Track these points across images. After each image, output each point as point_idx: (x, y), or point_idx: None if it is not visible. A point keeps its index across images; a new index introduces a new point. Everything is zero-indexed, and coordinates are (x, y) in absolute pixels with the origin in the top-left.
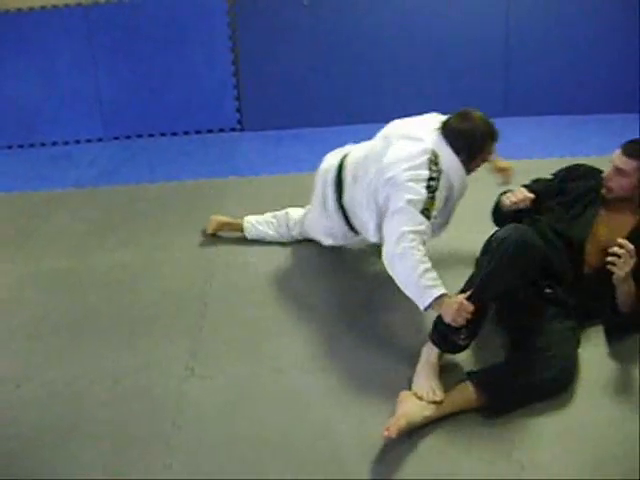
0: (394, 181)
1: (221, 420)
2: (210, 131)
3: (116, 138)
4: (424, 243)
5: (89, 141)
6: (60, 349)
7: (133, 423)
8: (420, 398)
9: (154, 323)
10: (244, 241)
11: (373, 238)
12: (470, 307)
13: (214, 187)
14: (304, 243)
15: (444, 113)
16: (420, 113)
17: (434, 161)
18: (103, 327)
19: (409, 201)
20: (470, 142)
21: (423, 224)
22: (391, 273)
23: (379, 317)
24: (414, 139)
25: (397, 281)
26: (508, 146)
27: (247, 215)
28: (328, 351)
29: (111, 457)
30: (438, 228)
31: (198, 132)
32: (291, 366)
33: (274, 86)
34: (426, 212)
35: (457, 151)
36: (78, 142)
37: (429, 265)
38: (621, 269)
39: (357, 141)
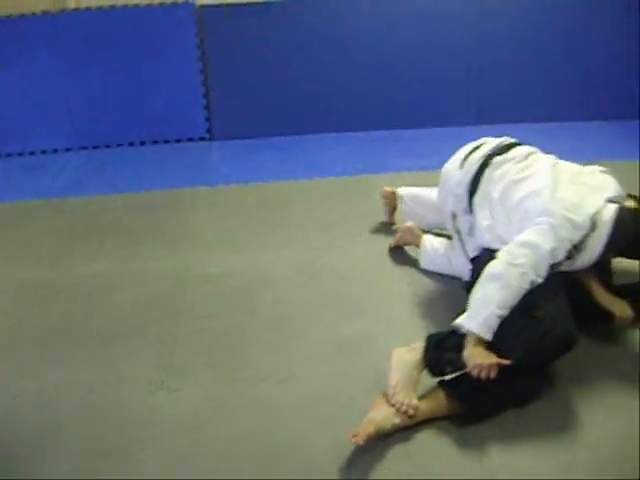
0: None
1: (192, 433)
2: (179, 141)
3: (84, 148)
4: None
5: (57, 151)
6: (31, 361)
7: (105, 436)
8: (392, 406)
9: (125, 335)
10: (216, 251)
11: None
12: (495, 373)
13: (184, 197)
14: (279, 254)
15: (416, 122)
16: (391, 121)
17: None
18: (74, 339)
19: (565, 217)
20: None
21: (540, 277)
22: (487, 276)
23: (355, 326)
24: (591, 196)
25: (480, 286)
26: None
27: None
28: (301, 361)
29: (83, 470)
30: None
31: (167, 142)
32: (263, 377)
33: (243, 95)
34: (570, 255)
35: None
36: (46, 152)
37: (506, 313)
38: None
39: (324, 150)
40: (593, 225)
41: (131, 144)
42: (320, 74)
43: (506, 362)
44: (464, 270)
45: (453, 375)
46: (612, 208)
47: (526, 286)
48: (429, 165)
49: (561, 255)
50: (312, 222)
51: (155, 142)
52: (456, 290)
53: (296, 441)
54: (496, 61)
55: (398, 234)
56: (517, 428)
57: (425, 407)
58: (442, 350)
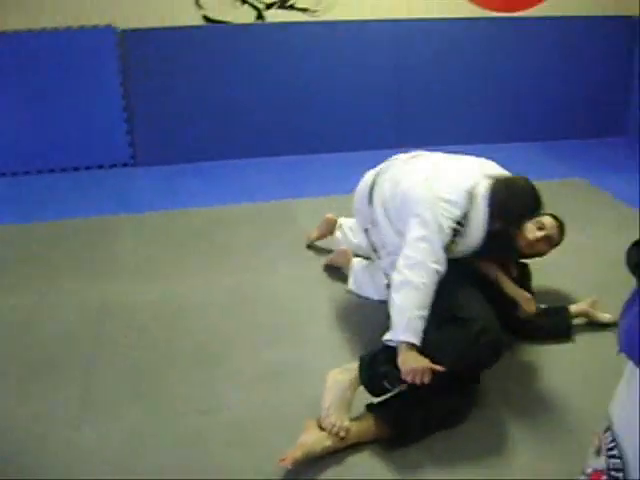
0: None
1: (116, 468)
2: (101, 167)
3: (2, 175)
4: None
5: None
6: None
7: (25, 476)
8: (323, 430)
9: (45, 369)
10: (139, 280)
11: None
12: (429, 378)
13: (106, 225)
14: (204, 281)
15: (337, 148)
16: (312, 146)
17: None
18: None
19: (436, 234)
20: (506, 214)
21: (442, 265)
22: (395, 286)
23: (281, 351)
24: (465, 175)
25: (391, 300)
26: None
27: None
28: (225, 390)
29: None
30: None
31: (89, 168)
32: (188, 408)
33: (167, 120)
34: (447, 249)
35: (492, 219)
36: None
37: (426, 312)
38: None
39: (247, 175)
40: (471, 198)
41: (51, 171)
42: (242, 99)
43: (439, 368)
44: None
45: (382, 398)
46: (486, 181)
47: (434, 279)
48: (349, 189)
49: (448, 233)
50: (236, 248)
51: (76, 169)
52: (384, 312)
53: (224, 471)
54: (414, 86)
55: (331, 255)
56: (446, 452)
57: (355, 430)
58: (376, 365)
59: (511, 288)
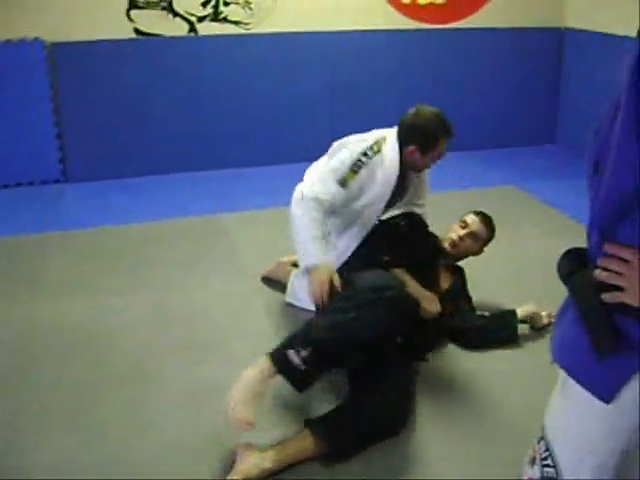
0: (335, 147)
1: None
2: (31, 183)
3: None
4: (325, 211)
5: None
6: None
7: None
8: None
9: None
10: (67, 299)
11: None
12: (333, 288)
13: (34, 243)
14: (134, 298)
15: (270, 161)
16: (243, 160)
17: (377, 144)
18: None
19: (332, 169)
20: (420, 135)
21: (330, 194)
22: (293, 230)
23: (212, 369)
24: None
25: (295, 240)
26: None
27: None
28: (156, 410)
29: None
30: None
31: (19, 184)
32: (119, 429)
33: (98, 136)
34: (343, 181)
35: (406, 144)
36: None
37: (319, 233)
38: None
39: (178, 190)
40: (383, 137)
41: None
42: (174, 114)
43: (336, 278)
44: None
45: (319, 416)
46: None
47: (315, 205)
48: (280, 202)
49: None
50: (167, 263)
51: (6, 186)
52: None
53: None
54: (347, 98)
55: (269, 267)
56: (385, 468)
57: (293, 449)
58: (289, 347)
59: (413, 287)
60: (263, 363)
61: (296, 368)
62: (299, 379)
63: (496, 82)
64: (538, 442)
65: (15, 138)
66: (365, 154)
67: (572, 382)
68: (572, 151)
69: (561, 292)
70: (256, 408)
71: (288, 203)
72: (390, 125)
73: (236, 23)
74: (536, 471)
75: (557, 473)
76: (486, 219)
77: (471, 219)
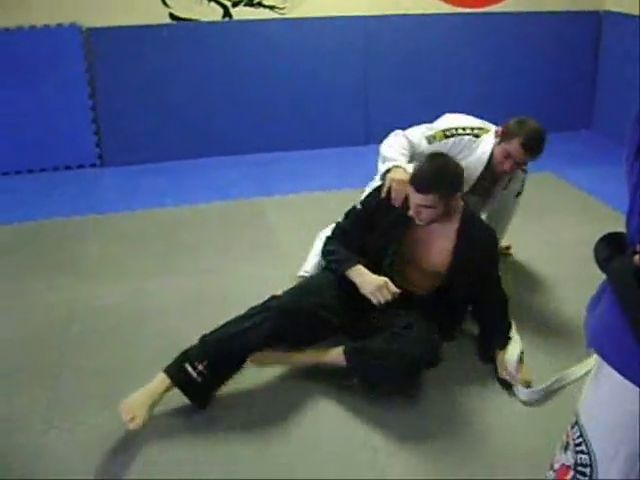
0: None
1: (83, 473)
2: (68, 168)
3: None
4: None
5: None
6: None
7: None
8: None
9: (9, 375)
10: (105, 282)
11: None
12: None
13: (72, 226)
14: (171, 281)
15: (306, 146)
16: (281, 144)
17: (481, 130)
18: None
19: (428, 126)
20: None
21: (417, 139)
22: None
23: None
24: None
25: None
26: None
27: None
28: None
29: None
30: None
31: (56, 169)
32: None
33: (134, 120)
34: (431, 138)
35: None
36: None
37: (403, 152)
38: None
39: (215, 173)
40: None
41: (17, 172)
42: (209, 98)
43: (393, 288)
44: None
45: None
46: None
47: (403, 138)
48: (318, 186)
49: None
50: (203, 247)
51: (43, 170)
52: None
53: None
54: (383, 83)
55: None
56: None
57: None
58: (185, 361)
59: (361, 277)
60: (159, 378)
61: (194, 381)
62: (196, 392)
63: (531, 67)
64: (572, 428)
65: (52, 123)
66: (464, 129)
67: (607, 367)
68: (609, 137)
69: (596, 277)
70: (146, 414)
71: (323, 187)
72: (423, 113)
73: (271, 8)
74: (569, 457)
75: (591, 459)
76: (419, 186)
77: (410, 193)
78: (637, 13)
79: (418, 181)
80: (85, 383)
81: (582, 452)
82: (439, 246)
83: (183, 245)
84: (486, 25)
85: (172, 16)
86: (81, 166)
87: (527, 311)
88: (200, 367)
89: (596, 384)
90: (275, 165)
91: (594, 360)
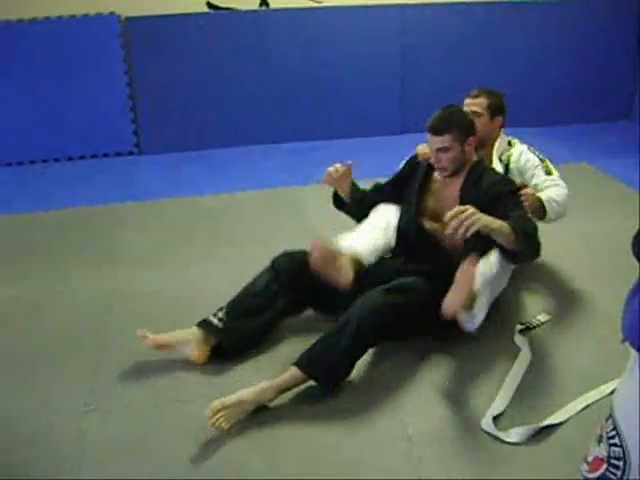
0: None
1: (125, 456)
2: (107, 155)
3: (8, 165)
4: None
5: None
6: None
7: (33, 468)
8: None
9: (51, 359)
10: (146, 268)
11: None
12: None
13: (112, 213)
14: (211, 269)
15: (343, 134)
16: (318, 133)
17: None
18: None
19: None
20: None
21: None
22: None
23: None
24: None
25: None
26: None
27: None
28: (230, 380)
29: None
30: None
31: (94, 156)
32: (194, 396)
33: (171, 108)
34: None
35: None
36: None
37: None
38: (471, 228)
39: (252, 162)
40: None
41: (56, 160)
42: (246, 86)
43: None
44: None
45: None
46: None
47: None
48: (356, 174)
49: None
50: (242, 236)
51: (82, 157)
52: None
53: (231, 461)
54: (419, 72)
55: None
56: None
57: (281, 378)
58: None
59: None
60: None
61: (214, 326)
62: (218, 335)
63: (571, 55)
64: (606, 420)
65: (90, 111)
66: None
67: None
68: None
69: (634, 270)
70: (171, 346)
71: (361, 176)
72: (461, 99)
73: None
74: (603, 449)
75: (624, 453)
76: (434, 128)
77: (428, 139)
78: None
79: (433, 124)
80: (126, 367)
81: (615, 445)
82: (448, 195)
83: (222, 233)
84: (526, 12)
85: (209, 5)
86: (119, 154)
87: (561, 303)
88: (220, 314)
89: (631, 378)
90: (312, 154)
91: (592, 395)
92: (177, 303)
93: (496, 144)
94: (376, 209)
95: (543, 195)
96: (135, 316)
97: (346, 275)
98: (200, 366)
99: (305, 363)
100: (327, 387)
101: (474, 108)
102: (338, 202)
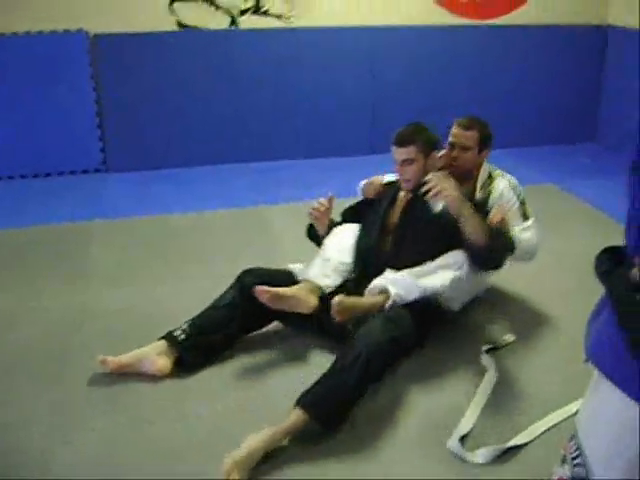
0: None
1: (90, 476)
2: (73, 172)
3: None
4: None
5: None
6: None
7: None
8: None
9: (17, 376)
10: (113, 286)
11: None
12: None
13: (79, 231)
14: (179, 287)
15: (312, 154)
16: (286, 153)
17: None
18: None
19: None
20: None
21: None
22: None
23: (259, 357)
24: None
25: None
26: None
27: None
28: (195, 397)
29: None
30: None
31: (61, 174)
32: (157, 415)
33: (139, 126)
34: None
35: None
36: None
37: None
38: (447, 192)
39: (219, 181)
40: None
41: (23, 177)
42: (216, 105)
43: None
44: None
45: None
46: None
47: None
48: (322, 194)
49: None
50: (212, 253)
51: (48, 174)
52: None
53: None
54: (389, 93)
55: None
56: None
57: (285, 424)
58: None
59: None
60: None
61: (177, 338)
62: (179, 346)
63: (536, 79)
64: (569, 441)
65: (57, 127)
66: None
67: (606, 381)
68: (612, 150)
69: (596, 290)
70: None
71: (325, 197)
72: (430, 121)
73: (277, 17)
74: (567, 470)
75: (587, 473)
76: (399, 139)
77: (393, 150)
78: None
79: (398, 136)
80: (91, 385)
81: (579, 465)
82: (399, 206)
83: (191, 251)
84: (490, 37)
85: (179, 24)
86: (85, 171)
87: (528, 324)
88: (184, 326)
89: (594, 397)
90: (280, 173)
91: (556, 416)
92: (146, 321)
93: (479, 175)
94: (334, 232)
95: (516, 234)
96: (104, 334)
97: (306, 304)
98: (163, 382)
99: (311, 405)
100: (331, 429)
101: (464, 141)
102: (311, 233)
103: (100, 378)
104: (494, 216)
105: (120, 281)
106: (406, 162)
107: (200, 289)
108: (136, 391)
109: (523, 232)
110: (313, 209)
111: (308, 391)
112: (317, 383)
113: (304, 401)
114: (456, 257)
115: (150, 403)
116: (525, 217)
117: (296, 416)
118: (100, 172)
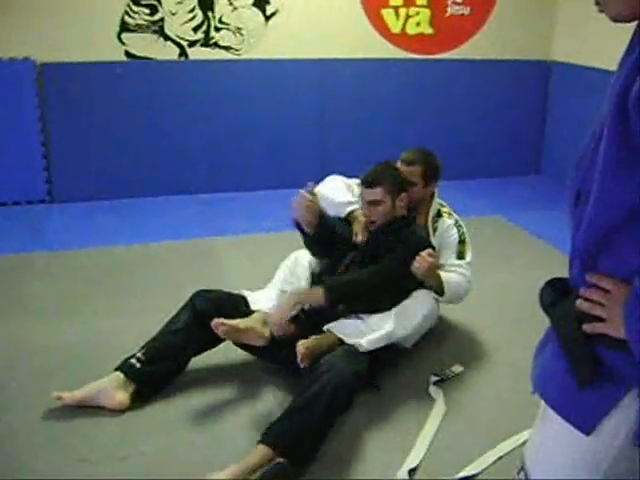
0: None
1: None
2: (17, 203)
3: None
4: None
5: None
6: None
7: None
8: None
9: None
10: (53, 321)
11: None
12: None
13: (20, 263)
14: (121, 321)
15: (261, 186)
16: (234, 184)
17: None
18: None
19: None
20: None
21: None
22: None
23: (207, 396)
24: None
25: None
26: None
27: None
28: (138, 437)
29: None
30: None
31: (3, 204)
32: (104, 455)
33: (85, 157)
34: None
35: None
36: None
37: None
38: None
39: (166, 213)
40: None
41: None
42: (161, 135)
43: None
44: None
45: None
46: None
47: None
48: (271, 227)
49: None
50: (155, 287)
51: None
52: None
53: None
54: (337, 125)
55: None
56: None
57: (250, 459)
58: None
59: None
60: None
61: (133, 366)
62: (136, 375)
63: (483, 113)
64: (518, 473)
65: (1, 157)
66: None
67: (552, 413)
68: (557, 182)
69: (542, 322)
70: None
71: (275, 228)
72: (379, 155)
73: (227, 48)
74: None
75: None
76: (366, 181)
77: (360, 191)
78: (583, 63)
79: (367, 178)
80: (28, 425)
81: None
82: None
83: (134, 284)
84: (437, 71)
85: (128, 54)
86: (30, 202)
87: (476, 354)
88: (139, 354)
89: (541, 429)
90: (227, 205)
91: (506, 445)
92: (84, 357)
93: (431, 208)
94: (287, 260)
95: (443, 275)
96: (40, 371)
97: (262, 338)
98: (110, 418)
99: (277, 440)
100: (298, 465)
101: (407, 177)
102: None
103: (40, 417)
104: (420, 265)
105: (60, 315)
106: (372, 203)
107: (141, 324)
108: (80, 428)
109: (452, 272)
110: (300, 199)
111: (272, 425)
112: (282, 417)
113: (269, 436)
114: (424, 298)
115: (95, 440)
116: (460, 256)
117: (259, 453)
118: (45, 203)
